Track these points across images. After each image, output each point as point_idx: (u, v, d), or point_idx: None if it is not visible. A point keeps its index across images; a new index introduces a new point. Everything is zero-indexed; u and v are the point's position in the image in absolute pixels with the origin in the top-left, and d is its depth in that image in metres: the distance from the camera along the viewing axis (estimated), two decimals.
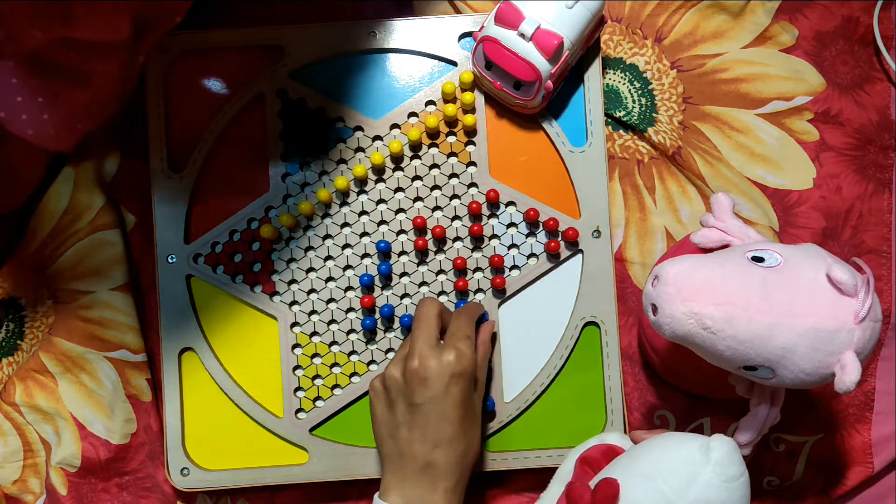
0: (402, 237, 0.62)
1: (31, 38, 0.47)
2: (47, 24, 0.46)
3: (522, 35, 0.55)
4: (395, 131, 0.62)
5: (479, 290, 0.61)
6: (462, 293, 0.61)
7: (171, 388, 0.61)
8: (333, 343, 0.61)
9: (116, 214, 0.63)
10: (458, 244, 0.62)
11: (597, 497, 0.42)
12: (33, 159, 0.61)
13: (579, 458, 0.51)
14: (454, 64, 0.62)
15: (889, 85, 0.65)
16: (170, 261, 0.61)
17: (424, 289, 0.61)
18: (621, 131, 0.65)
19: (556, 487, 0.53)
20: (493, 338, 0.60)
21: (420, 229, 0.61)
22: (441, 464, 0.51)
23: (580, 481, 0.46)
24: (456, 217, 0.62)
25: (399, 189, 0.62)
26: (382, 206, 0.62)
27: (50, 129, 0.52)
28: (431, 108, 0.63)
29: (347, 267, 0.62)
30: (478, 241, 0.62)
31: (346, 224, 0.62)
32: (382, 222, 0.62)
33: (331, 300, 0.62)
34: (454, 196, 0.62)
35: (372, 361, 0.61)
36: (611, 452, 0.50)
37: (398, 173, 0.62)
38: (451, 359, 0.52)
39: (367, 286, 0.61)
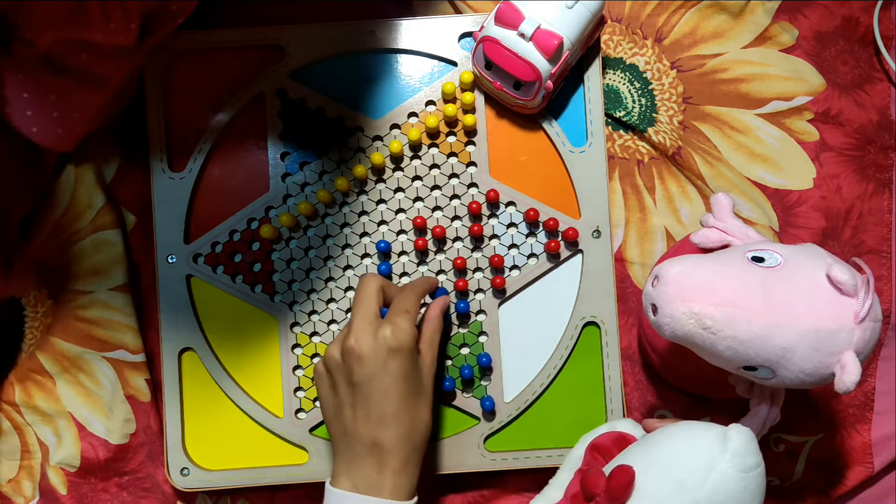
0: (402, 237, 0.62)
1: (44, 38, 0.47)
2: (61, 25, 0.46)
3: (522, 35, 0.55)
4: (395, 131, 0.62)
5: (479, 290, 0.61)
6: (462, 293, 0.61)
7: (171, 388, 0.61)
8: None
9: (116, 214, 0.63)
10: (458, 244, 0.62)
11: (612, 484, 0.42)
12: (43, 162, 0.61)
13: (590, 444, 0.51)
14: (454, 64, 0.62)
15: (889, 85, 0.65)
16: (170, 261, 0.61)
17: None
18: (621, 131, 0.65)
19: (566, 473, 0.53)
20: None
21: (420, 229, 0.61)
22: (386, 442, 0.50)
23: (594, 468, 0.46)
24: (456, 217, 0.62)
25: (399, 189, 0.62)
26: (382, 206, 0.62)
27: (57, 128, 0.52)
28: (431, 108, 0.63)
29: (347, 267, 0.62)
30: (478, 241, 0.62)
31: (346, 224, 0.62)
32: (382, 222, 0.62)
33: (331, 300, 0.62)
34: (454, 196, 0.62)
35: None
36: (621, 440, 0.50)
37: (398, 173, 0.62)
38: (386, 334, 0.50)
39: None
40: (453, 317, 0.61)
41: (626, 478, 0.42)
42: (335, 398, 0.52)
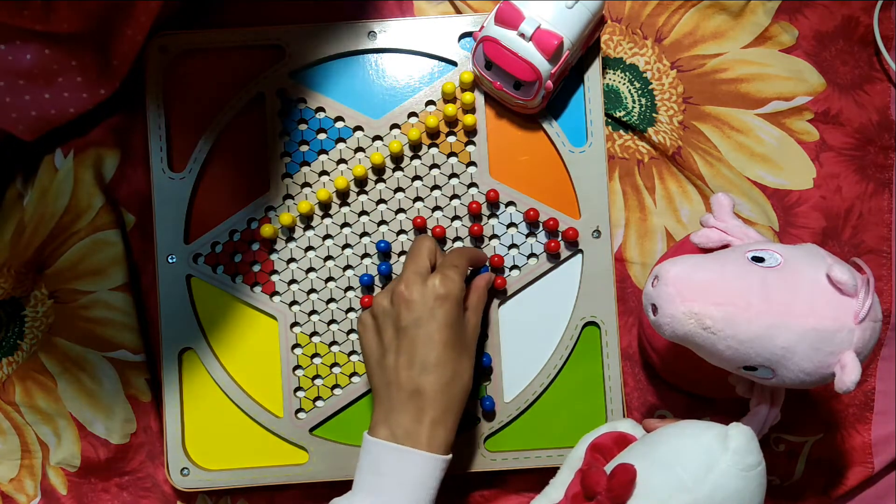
0: (402, 237, 0.62)
1: None
2: None
3: (522, 35, 0.55)
4: (395, 131, 0.62)
5: None
6: None
7: (171, 388, 0.61)
8: (333, 343, 0.61)
9: (116, 214, 0.63)
10: (458, 244, 0.62)
11: (613, 482, 0.42)
12: None
13: (590, 444, 0.51)
14: (454, 64, 0.62)
15: (889, 85, 0.65)
16: (170, 261, 0.61)
17: None
18: (621, 131, 0.65)
19: (566, 473, 0.53)
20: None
21: (420, 229, 0.61)
22: (427, 390, 0.50)
23: (595, 466, 0.46)
24: (456, 217, 0.62)
25: (399, 189, 0.62)
26: (382, 206, 0.62)
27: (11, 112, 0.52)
28: (431, 108, 0.63)
29: (347, 267, 0.62)
30: (478, 241, 0.62)
31: (346, 224, 0.62)
32: (382, 222, 0.62)
33: (331, 300, 0.62)
34: (454, 196, 0.62)
35: None
36: (622, 440, 0.50)
37: (398, 173, 0.62)
38: (435, 282, 0.52)
39: (367, 286, 0.61)
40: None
41: (627, 476, 0.42)
42: (380, 345, 0.53)
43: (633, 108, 0.65)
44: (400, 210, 0.62)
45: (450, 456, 0.51)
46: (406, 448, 0.50)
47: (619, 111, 0.64)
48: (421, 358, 0.51)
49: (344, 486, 0.62)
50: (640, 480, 0.42)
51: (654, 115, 0.64)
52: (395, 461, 0.50)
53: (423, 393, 0.51)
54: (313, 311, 0.62)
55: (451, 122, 0.62)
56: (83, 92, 0.57)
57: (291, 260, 0.62)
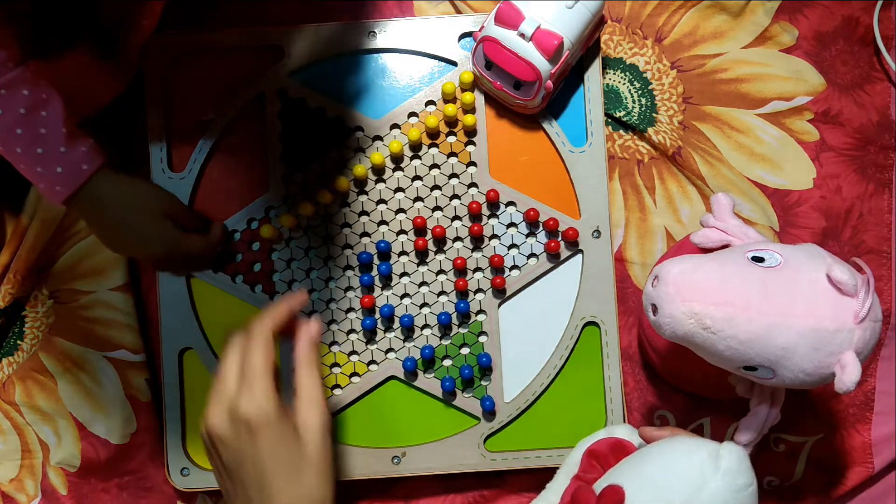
0: (402, 237, 0.62)
1: None
2: None
3: (522, 35, 0.55)
4: (395, 131, 0.62)
5: (479, 290, 0.61)
6: (462, 293, 0.61)
7: (171, 388, 0.61)
8: (333, 343, 0.61)
9: None
10: (458, 244, 0.62)
11: None
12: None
13: (587, 450, 0.51)
14: (454, 64, 0.62)
15: (889, 85, 0.65)
16: None
17: (424, 289, 0.61)
18: (621, 131, 0.65)
19: (562, 479, 0.53)
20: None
21: (420, 229, 0.61)
22: None
23: (584, 487, 0.45)
24: (456, 217, 0.62)
25: (399, 189, 0.62)
26: (382, 207, 0.62)
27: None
28: (431, 108, 0.63)
29: (347, 267, 0.62)
30: (478, 241, 0.62)
31: (346, 224, 0.62)
32: (382, 222, 0.62)
33: (331, 300, 0.62)
34: (454, 196, 0.62)
35: (372, 361, 0.61)
36: (618, 447, 0.50)
37: (398, 173, 0.62)
38: (239, 406, 0.45)
39: (367, 286, 0.61)
40: (451, 319, 0.61)
41: (615, 498, 0.42)
42: (219, 473, 0.48)
43: (633, 108, 0.65)
44: (400, 210, 0.62)
45: None
46: None
47: (619, 111, 0.64)
48: (255, 496, 0.45)
49: (343, 486, 0.62)
50: (630, 501, 0.42)
51: (654, 115, 0.64)
52: None
53: None
54: (313, 312, 0.62)
55: (451, 122, 0.62)
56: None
57: (291, 260, 0.62)
